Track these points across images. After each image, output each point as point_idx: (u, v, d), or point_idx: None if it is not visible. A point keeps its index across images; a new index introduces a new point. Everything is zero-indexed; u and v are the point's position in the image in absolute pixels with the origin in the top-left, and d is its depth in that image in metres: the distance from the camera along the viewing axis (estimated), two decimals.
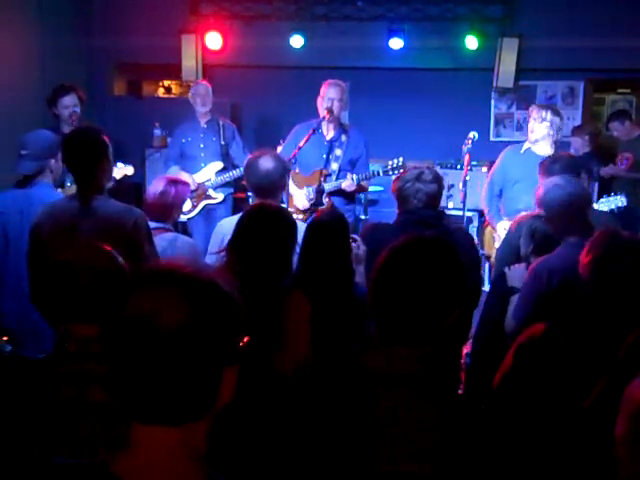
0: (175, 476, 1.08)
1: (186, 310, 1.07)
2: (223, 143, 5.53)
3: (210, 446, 1.13)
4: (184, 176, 5.37)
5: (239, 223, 2.65)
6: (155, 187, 3.72)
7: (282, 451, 1.59)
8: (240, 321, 1.14)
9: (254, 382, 2.30)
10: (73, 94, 4.77)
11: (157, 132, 7.00)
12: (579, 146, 6.56)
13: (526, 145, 4.74)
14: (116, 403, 1.10)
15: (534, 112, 4.63)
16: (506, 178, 4.77)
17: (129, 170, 4.76)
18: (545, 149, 4.60)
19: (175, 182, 3.80)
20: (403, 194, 3.31)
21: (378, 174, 4.82)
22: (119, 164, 4.63)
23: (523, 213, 3.70)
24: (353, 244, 3.05)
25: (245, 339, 1.14)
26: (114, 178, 4.17)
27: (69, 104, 4.74)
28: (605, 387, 1.51)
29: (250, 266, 2.46)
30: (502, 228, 4.52)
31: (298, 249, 3.05)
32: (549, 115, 4.58)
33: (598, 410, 1.49)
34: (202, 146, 5.57)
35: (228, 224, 3.25)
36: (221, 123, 5.59)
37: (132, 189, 6.42)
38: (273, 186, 3.42)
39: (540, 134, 4.59)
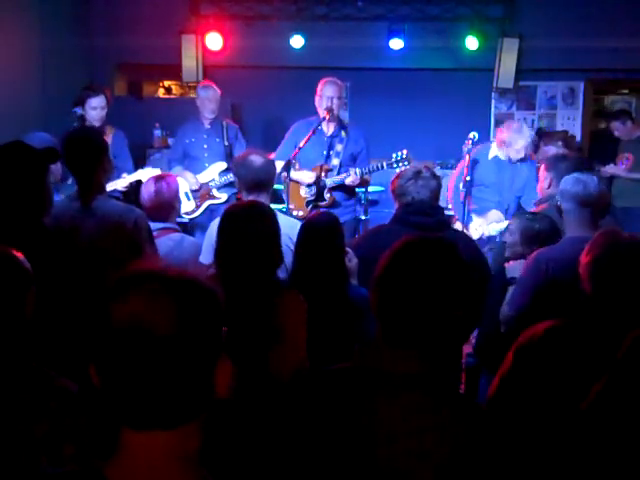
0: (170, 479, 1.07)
1: (176, 311, 1.06)
2: (227, 144, 5.48)
3: (209, 449, 1.12)
4: (188, 176, 5.39)
5: (221, 224, 2.59)
6: (147, 189, 3.69)
7: (280, 451, 1.59)
8: (222, 314, 1.14)
9: (250, 382, 2.30)
10: (102, 96, 4.92)
11: (157, 132, 7.00)
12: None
13: (493, 152, 4.83)
14: (105, 411, 1.08)
15: (519, 142, 4.65)
16: (475, 180, 4.88)
17: (156, 172, 4.75)
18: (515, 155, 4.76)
19: (162, 177, 3.80)
20: (403, 190, 3.31)
21: (382, 167, 4.77)
22: (147, 168, 4.83)
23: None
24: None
25: (224, 329, 1.14)
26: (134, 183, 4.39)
27: (97, 105, 4.88)
28: (603, 388, 1.51)
29: (237, 261, 2.44)
30: (474, 228, 4.65)
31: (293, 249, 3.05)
32: (528, 134, 4.69)
33: (596, 412, 1.49)
34: (206, 147, 5.54)
35: None
36: (224, 124, 5.54)
37: (132, 189, 6.41)
38: (268, 180, 3.45)
39: (524, 151, 4.73)
